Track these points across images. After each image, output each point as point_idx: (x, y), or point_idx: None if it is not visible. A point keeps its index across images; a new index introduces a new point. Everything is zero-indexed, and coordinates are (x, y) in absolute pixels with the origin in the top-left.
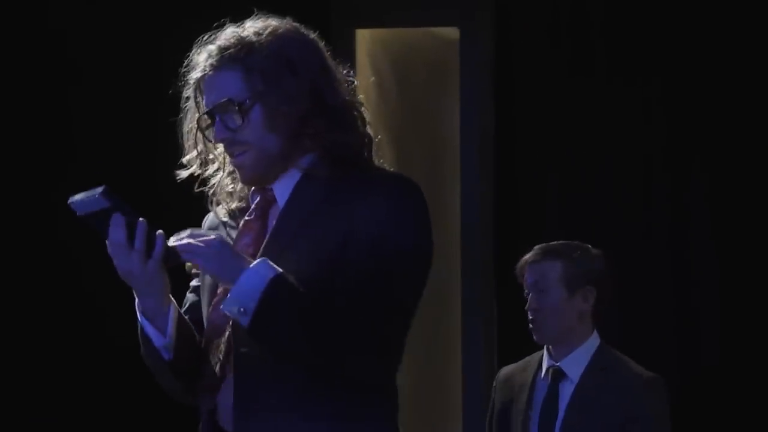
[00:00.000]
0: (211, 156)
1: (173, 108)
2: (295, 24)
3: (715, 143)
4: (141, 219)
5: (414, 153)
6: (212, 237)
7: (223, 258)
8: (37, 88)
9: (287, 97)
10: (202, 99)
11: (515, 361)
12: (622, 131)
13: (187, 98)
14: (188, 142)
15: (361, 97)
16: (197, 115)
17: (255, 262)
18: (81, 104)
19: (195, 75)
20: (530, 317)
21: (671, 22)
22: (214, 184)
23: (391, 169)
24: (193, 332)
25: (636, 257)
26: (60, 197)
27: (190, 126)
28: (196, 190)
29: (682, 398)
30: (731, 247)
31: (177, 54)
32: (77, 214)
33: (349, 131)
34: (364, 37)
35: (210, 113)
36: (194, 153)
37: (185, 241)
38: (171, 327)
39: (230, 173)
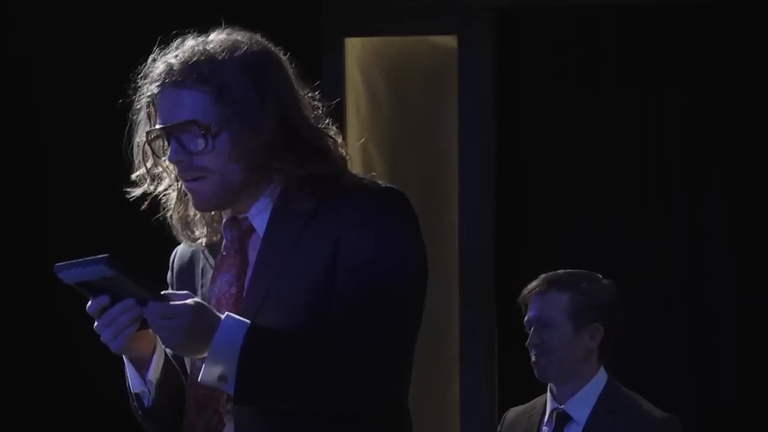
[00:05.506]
0: (159, 170)
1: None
2: (263, 42)
3: (733, 156)
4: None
5: (410, 170)
6: (179, 311)
7: (194, 334)
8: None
9: (255, 127)
10: (156, 113)
11: (516, 394)
12: (633, 145)
13: (139, 109)
14: (137, 157)
15: (328, 121)
16: (148, 128)
17: (221, 321)
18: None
19: (152, 87)
20: (532, 355)
21: (685, 28)
22: (168, 207)
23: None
24: (179, 382)
25: (650, 281)
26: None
27: (139, 139)
28: (153, 219)
29: None
30: (752, 273)
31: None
32: (65, 282)
33: (319, 161)
34: (354, 45)
35: (167, 130)
36: (143, 169)
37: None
38: (151, 373)
39: (181, 197)
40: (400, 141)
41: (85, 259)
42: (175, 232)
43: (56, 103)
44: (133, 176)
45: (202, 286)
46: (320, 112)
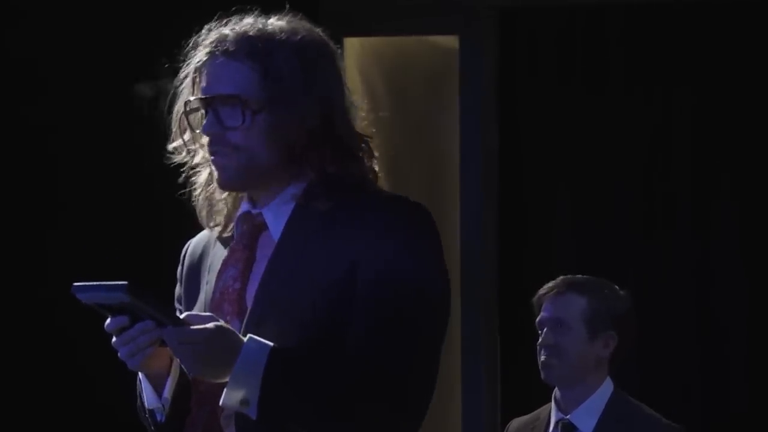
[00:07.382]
0: (196, 145)
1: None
2: (323, 35)
3: (742, 160)
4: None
5: (410, 173)
6: (199, 335)
7: (214, 357)
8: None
9: (298, 115)
10: (201, 82)
11: (519, 405)
12: (637, 146)
13: (185, 77)
14: (174, 126)
15: (372, 130)
16: (190, 95)
17: (243, 345)
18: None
19: (201, 54)
20: (542, 355)
21: (690, 28)
22: (197, 185)
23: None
24: (190, 395)
25: (657, 288)
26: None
27: (179, 108)
28: (179, 194)
29: None
30: (762, 279)
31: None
32: (82, 302)
33: (353, 163)
34: (353, 45)
35: (206, 101)
36: (180, 141)
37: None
38: (167, 391)
39: (212, 175)
40: (400, 142)
41: (103, 283)
42: (198, 212)
43: (59, 104)
44: (170, 147)
45: (207, 283)
46: (365, 123)
